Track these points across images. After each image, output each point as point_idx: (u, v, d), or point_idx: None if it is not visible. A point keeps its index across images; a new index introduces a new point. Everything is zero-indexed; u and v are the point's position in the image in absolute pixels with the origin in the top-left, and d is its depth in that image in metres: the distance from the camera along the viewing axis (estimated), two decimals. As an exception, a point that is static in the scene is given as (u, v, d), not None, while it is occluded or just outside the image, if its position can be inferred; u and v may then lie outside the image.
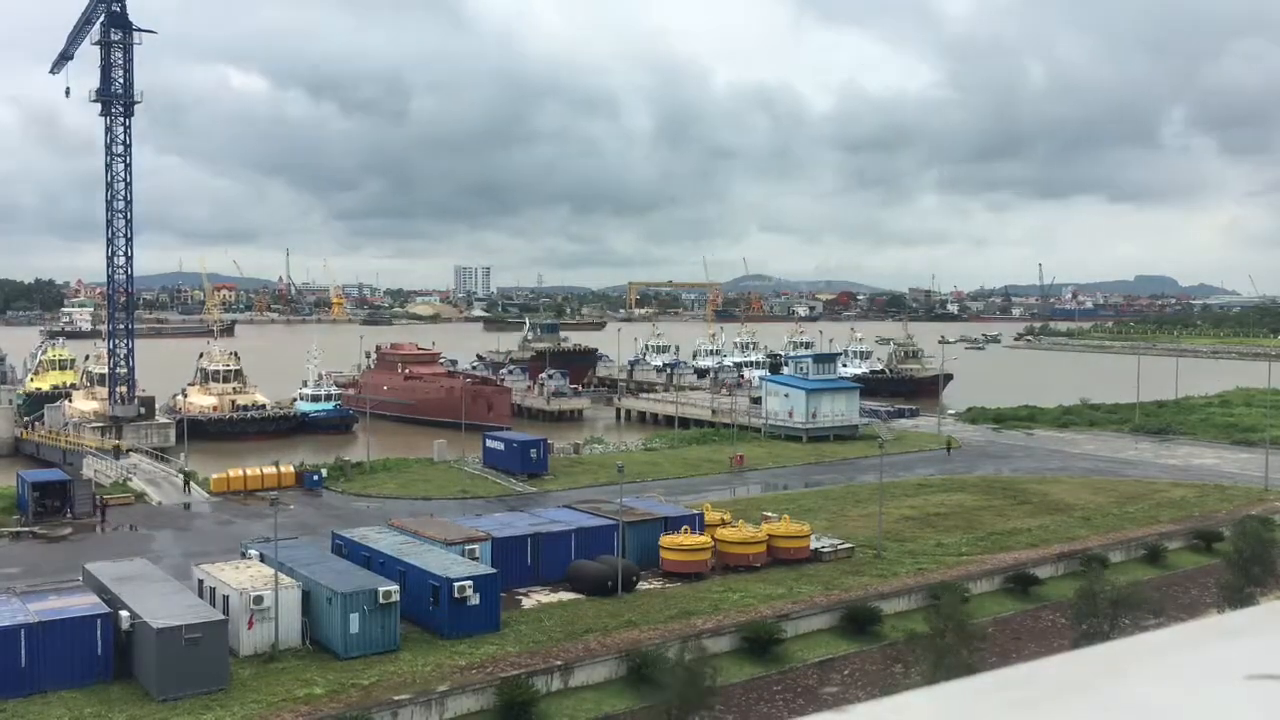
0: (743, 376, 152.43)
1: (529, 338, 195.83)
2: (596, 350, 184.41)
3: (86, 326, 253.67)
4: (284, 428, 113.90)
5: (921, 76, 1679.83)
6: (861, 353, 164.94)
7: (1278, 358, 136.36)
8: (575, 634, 44.72)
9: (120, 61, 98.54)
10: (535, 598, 49.92)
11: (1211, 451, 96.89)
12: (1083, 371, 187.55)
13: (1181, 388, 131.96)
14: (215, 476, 78.29)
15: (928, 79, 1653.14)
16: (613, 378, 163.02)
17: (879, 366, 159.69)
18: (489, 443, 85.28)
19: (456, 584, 44.12)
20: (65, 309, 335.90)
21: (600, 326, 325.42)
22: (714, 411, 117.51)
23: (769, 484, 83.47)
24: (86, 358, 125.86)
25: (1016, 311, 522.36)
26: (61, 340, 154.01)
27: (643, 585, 51.57)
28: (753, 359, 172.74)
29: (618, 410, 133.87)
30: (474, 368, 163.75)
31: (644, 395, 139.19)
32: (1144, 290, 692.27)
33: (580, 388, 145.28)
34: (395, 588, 43.27)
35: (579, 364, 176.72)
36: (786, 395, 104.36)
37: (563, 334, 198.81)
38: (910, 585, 52.20)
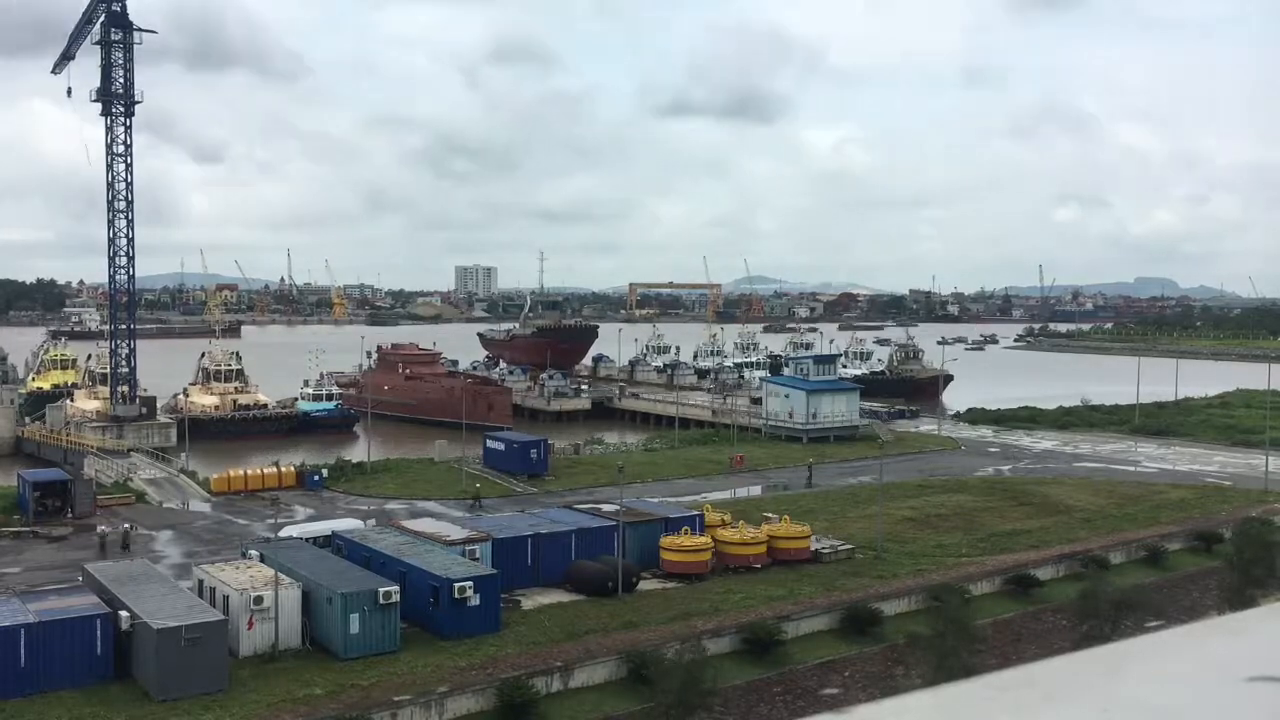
0: (743, 377, 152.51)
1: (530, 315, 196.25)
2: (597, 327, 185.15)
3: (95, 326, 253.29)
4: (285, 427, 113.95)
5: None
6: (861, 354, 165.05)
7: (1278, 359, 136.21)
8: (575, 635, 44.70)
9: (120, 61, 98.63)
10: (535, 598, 49.86)
11: (1211, 453, 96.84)
12: (1082, 373, 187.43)
13: (1181, 389, 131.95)
14: (216, 476, 78.33)
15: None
16: (613, 378, 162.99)
17: (879, 367, 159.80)
18: (489, 443, 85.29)
19: (457, 584, 44.11)
20: (68, 309, 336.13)
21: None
22: (714, 412, 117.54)
23: (769, 485, 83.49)
24: (89, 357, 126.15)
25: (1017, 313, 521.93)
26: (64, 340, 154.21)
27: (643, 586, 51.55)
28: (753, 360, 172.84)
29: (618, 411, 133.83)
30: (475, 367, 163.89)
31: (644, 396, 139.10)
32: (1144, 292, 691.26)
33: (581, 385, 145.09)
34: (395, 588, 43.25)
35: (581, 340, 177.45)
36: (787, 396, 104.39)
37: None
38: (910, 586, 52.18)
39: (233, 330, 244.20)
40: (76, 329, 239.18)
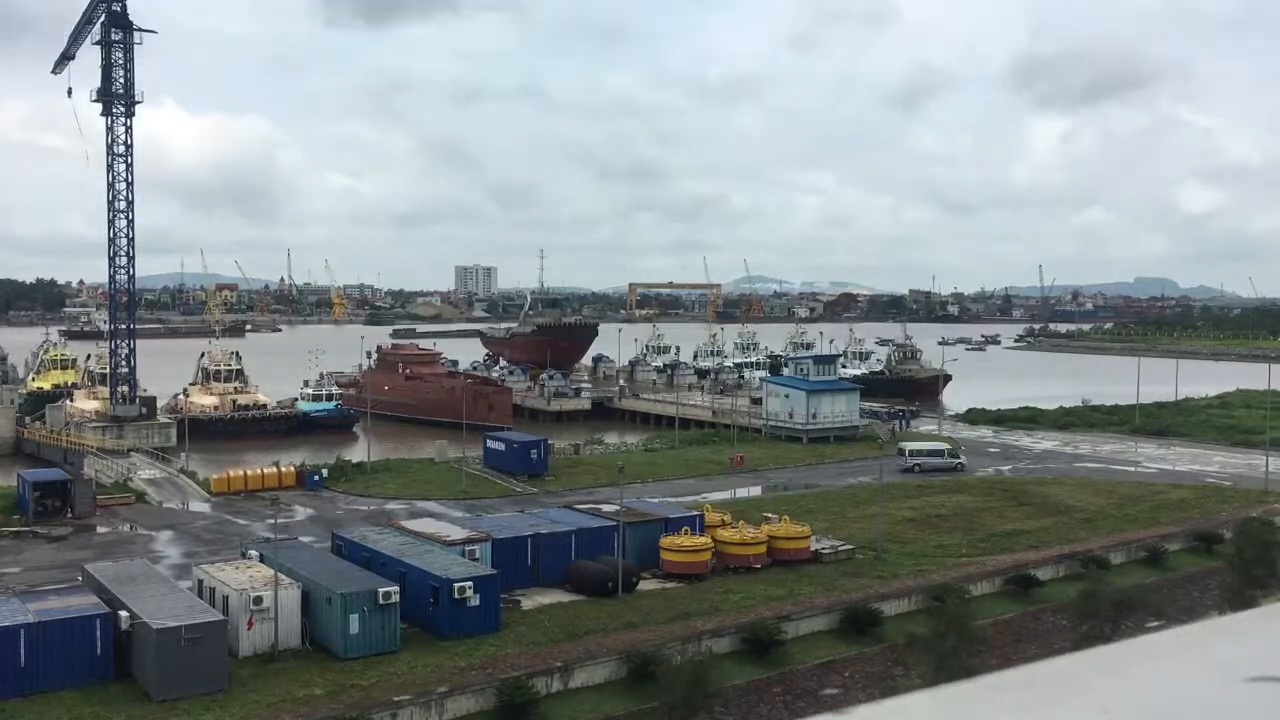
0: (743, 377, 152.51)
1: (530, 313, 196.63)
2: (598, 325, 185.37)
3: (103, 325, 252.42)
4: (285, 427, 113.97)
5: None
6: (861, 353, 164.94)
7: (1278, 359, 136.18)
8: (575, 635, 44.70)
9: (121, 61, 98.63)
10: (535, 598, 49.86)
11: (1211, 453, 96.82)
12: (1082, 373, 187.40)
13: (1181, 389, 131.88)
14: (216, 477, 78.34)
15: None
16: (612, 378, 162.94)
17: (878, 367, 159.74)
18: (489, 443, 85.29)
19: (457, 585, 44.11)
20: (70, 308, 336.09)
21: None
22: (714, 412, 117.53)
23: (769, 485, 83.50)
24: (88, 357, 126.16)
25: (1017, 313, 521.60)
26: (64, 341, 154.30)
27: (643, 586, 51.54)
28: (753, 360, 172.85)
29: (618, 411, 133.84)
30: (474, 367, 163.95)
31: (644, 396, 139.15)
32: (1144, 292, 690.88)
33: (581, 386, 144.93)
34: (395, 588, 43.25)
35: (581, 339, 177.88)
36: (787, 396, 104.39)
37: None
38: (911, 587, 52.15)
39: (237, 330, 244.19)
40: (86, 328, 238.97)
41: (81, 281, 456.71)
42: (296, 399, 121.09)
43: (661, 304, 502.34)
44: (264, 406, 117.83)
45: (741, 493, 79.12)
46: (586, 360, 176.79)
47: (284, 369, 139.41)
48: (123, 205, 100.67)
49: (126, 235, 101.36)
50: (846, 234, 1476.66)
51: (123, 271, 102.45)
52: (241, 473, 78.20)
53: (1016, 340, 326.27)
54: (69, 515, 67.43)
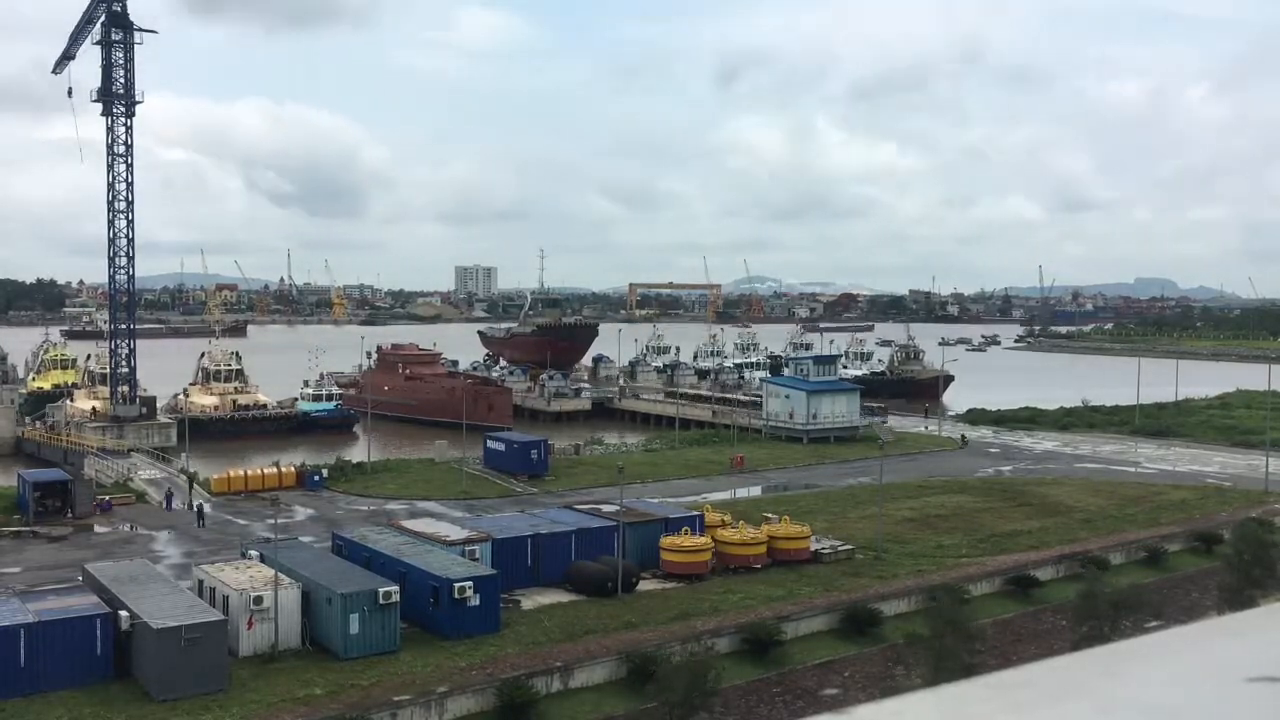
0: (743, 378, 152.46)
1: (530, 313, 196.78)
2: (598, 325, 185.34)
3: (104, 324, 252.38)
4: (285, 427, 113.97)
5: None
6: (862, 354, 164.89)
7: (1278, 360, 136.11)
8: (575, 635, 44.70)
9: (121, 61, 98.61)
10: (535, 598, 49.85)
11: (1211, 454, 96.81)
12: (1082, 374, 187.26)
13: (1181, 390, 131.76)
14: (216, 477, 78.34)
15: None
16: (613, 378, 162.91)
17: (879, 368, 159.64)
18: (490, 443, 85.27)
19: (457, 585, 44.10)
20: (70, 308, 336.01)
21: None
22: (714, 413, 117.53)
23: (769, 485, 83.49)
24: (89, 357, 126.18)
25: (1016, 313, 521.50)
26: (64, 341, 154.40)
27: (643, 586, 51.53)
28: (753, 360, 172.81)
29: (619, 411, 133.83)
30: (475, 367, 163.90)
31: (644, 396, 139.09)
32: (1144, 292, 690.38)
33: (581, 386, 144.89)
34: (395, 588, 43.24)
35: (581, 339, 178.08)
36: (787, 396, 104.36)
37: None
38: (910, 587, 52.12)
39: (239, 330, 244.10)
40: (87, 328, 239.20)
41: (81, 281, 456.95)
42: (296, 399, 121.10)
43: (661, 304, 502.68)
44: (264, 406, 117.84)
45: (741, 493, 79.11)
46: (586, 360, 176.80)
47: (284, 369, 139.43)
48: (123, 205, 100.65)
49: (126, 235, 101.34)
50: (921, 231, 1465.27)
51: (122, 271, 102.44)
52: (242, 473, 78.21)
53: (1016, 340, 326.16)
54: (69, 515, 67.42)
